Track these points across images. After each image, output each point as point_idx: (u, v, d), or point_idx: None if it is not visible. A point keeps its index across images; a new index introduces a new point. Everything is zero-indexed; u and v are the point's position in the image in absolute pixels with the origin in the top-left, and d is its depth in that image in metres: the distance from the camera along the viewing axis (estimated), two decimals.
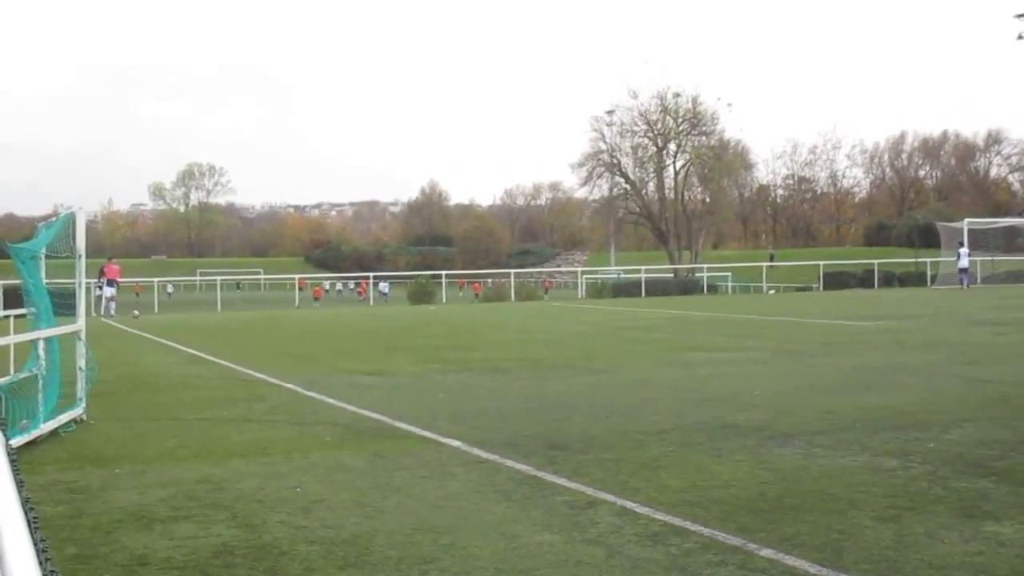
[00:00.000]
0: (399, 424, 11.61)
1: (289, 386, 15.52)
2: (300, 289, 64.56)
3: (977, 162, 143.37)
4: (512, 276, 64.96)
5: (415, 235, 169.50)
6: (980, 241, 54.62)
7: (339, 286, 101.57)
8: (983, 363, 16.91)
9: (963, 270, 51.70)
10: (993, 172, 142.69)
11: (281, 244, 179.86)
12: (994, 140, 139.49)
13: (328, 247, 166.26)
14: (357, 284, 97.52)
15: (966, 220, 58.10)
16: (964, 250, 52.16)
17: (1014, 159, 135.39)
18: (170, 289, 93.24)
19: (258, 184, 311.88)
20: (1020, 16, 75.20)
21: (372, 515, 7.47)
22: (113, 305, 43.09)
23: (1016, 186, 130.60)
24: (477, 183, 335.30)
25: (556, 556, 6.32)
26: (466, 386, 15.19)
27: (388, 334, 28.03)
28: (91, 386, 12.76)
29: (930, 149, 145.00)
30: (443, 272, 66.34)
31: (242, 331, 31.74)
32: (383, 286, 76.89)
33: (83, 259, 12.32)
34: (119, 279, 46.70)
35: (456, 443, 10.24)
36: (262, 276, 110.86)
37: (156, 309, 51.80)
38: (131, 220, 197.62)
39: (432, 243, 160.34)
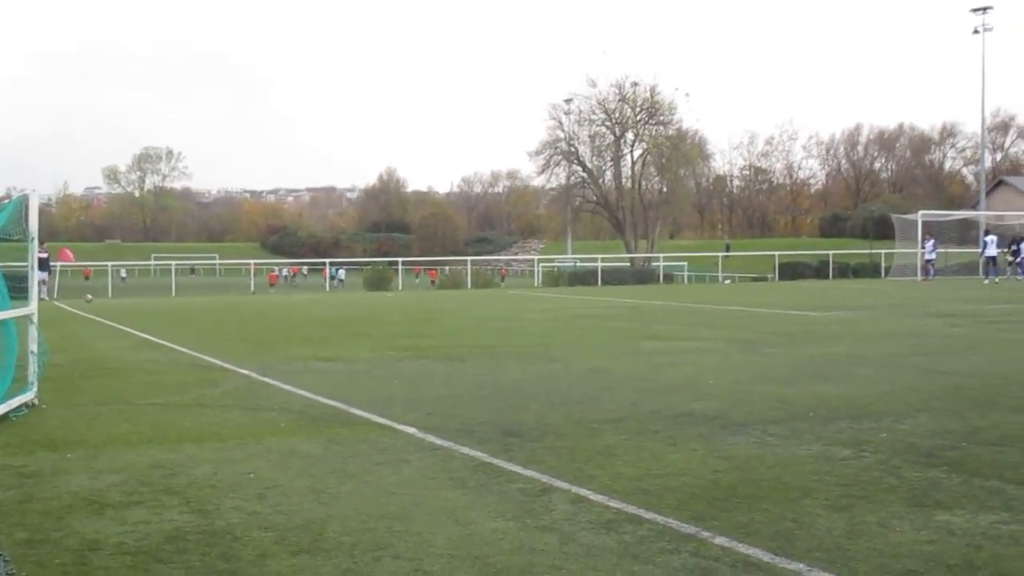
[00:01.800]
0: (354, 410, 11.57)
1: (243, 372, 15.44)
2: (252, 275, 64.24)
3: (932, 155, 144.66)
4: (469, 263, 65.00)
5: (372, 222, 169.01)
6: (934, 233, 55.01)
7: (285, 272, 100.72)
8: (936, 354, 17.05)
9: (929, 261, 52.15)
10: (947, 165, 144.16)
11: (237, 229, 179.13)
12: (949, 133, 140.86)
13: (284, 233, 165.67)
14: (302, 270, 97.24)
15: (920, 212, 58.52)
16: (932, 242, 52.63)
17: (968, 152, 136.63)
18: (123, 273, 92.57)
19: (214, 169, 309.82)
20: (977, 11, 75.93)
21: (326, 501, 7.43)
22: (44, 289, 43.00)
23: (970, 179, 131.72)
24: (435, 170, 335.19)
25: (510, 543, 6.31)
26: (422, 373, 15.17)
27: (344, 321, 27.96)
28: (43, 370, 12.64)
29: (885, 141, 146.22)
30: (400, 259, 66.23)
31: (197, 316, 31.59)
32: (334, 270, 76.44)
33: (36, 242, 12.21)
34: (52, 263, 46.89)
35: (411, 430, 10.22)
36: (217, 261, 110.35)
37: (110, 293, 51.40)
38: (85, 204, 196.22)
39: (389, 230, 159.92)
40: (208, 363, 16.94)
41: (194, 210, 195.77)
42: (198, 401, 12.63)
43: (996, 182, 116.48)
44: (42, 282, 43.27)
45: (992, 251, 49.34)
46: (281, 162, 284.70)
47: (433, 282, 74.94)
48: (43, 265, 43.73)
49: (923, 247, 52.61)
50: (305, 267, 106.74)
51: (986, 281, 46.23)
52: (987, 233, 52.05)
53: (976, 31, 76.35)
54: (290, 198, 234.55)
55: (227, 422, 11.03)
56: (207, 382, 14.39)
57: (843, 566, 5.80)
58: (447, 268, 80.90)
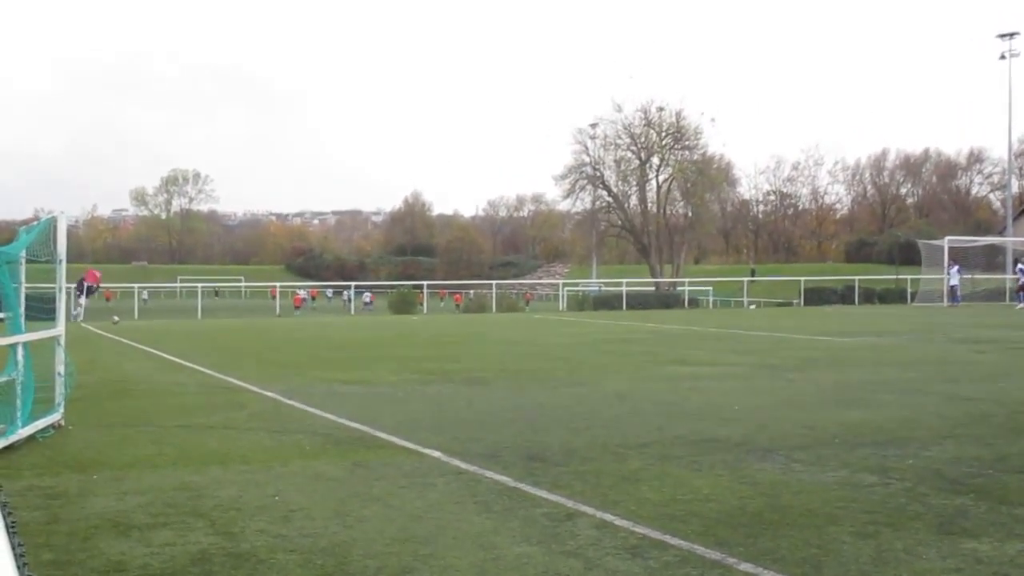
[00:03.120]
0: (379, 434, 11.58)
1: (269, 394, 15.48)
2: (273, 297, 64.33)
3: (959, 180, 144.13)
4: (494, 287, 65.00)
5: (397, 245, 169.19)
6: (961, 259, 54.84)
7: (302, 293, 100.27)
8: (962, 381, 16.97)
9: (953, 287, 52.00)
10: (974, 190, 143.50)
11: (263, 252, 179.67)
12: (975, 159, 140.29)
13: (309, 255, 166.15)
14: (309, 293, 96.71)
15: (947, 238, 58.30)
16: (956, 268, 52.48)
17: (995, 178, 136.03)
18: (145, 296, 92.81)
19: (240, 191, 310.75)
20: (1004, 36, 75.79)
21: (351, 524, 7.44)
22: (81, 311, 43.76)
23: (996, 205, 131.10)
24: (461, 194, 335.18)
25: (535, 568, 6.31)
26: (447, 396, 15.18)
27: (369, 344, 28.01)
28: (70, 391, 12.70)
29: (911, 167, 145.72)
30: (425, 282, 66.32)
31: (223, 338, 31.68)
32: (356, 293, 76.42)
33: (63, 264, 12.27)
34: (98, 284, 47.54)
35: (436, 453, 10.22)
36: (243, 284, 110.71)
37: (136, 315, 51.60)
38: (112, 226, 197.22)
39: (414, 253, 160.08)
40: (234, 385, 16.99)
41: (220, 232, 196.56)
42: (224, 423, 12.66)
43: (1023, 208, 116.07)
44: (83, 306, 44.07)
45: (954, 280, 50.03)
46: (307, 185, 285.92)
47: (458, 306, 75.04)
48: (90, 290, 44.49)
49: (948, 273, 52.54)
50: (329, 290, 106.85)
51: (1019, 306, 46.64)
52: (1016, 261, 52.15)
53: (1003, 56, 76.22)
54: (316, 221, 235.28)
55: (253, 444, 11.06)
56: (233, 404, 14.44)
57: None
58: (471, 292, 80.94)
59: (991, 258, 69.37)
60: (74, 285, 44.28)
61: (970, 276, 57.27)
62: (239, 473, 9.39)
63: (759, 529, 7.22)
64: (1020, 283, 50.26)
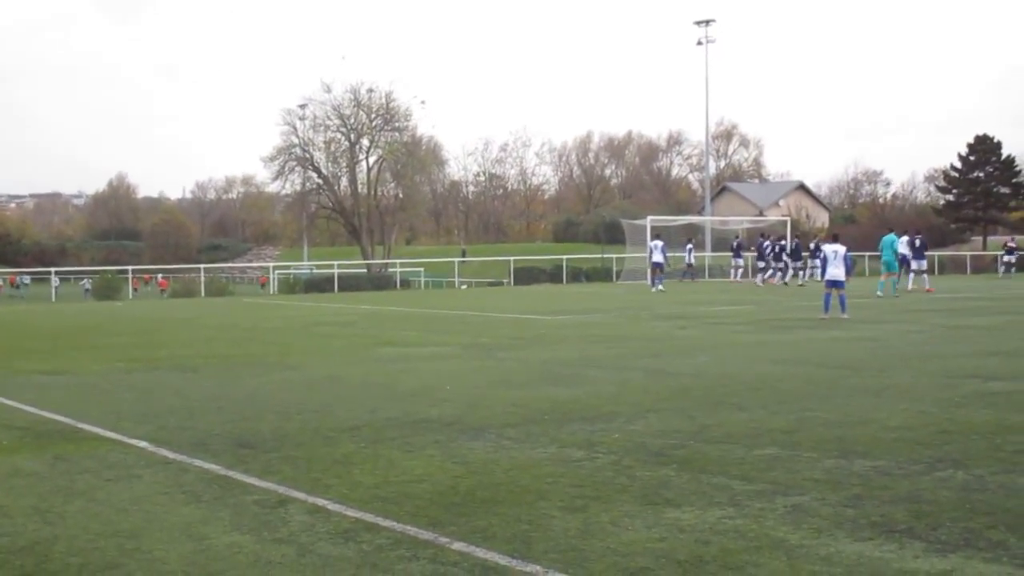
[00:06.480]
0: (82, 425, 11.19)
1: None
2: None
3: (660, 162, 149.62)
4: (202, 271, 63.68)
5: (101, 229, 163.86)
6: (662, 238, 56.33)
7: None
8: (665, 356, 17.59)
9: (657, 265, 49.73)
10: (675, 172, 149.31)
11: None
12: (675, 141, 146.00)
13: (6, 240, 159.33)
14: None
15: (649, 217, 60.16)
16: (656, 243, 50.25)
17: (694, 159, 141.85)
18: None
19: None
20: (700, 23, 78.83)
21: (52, 521, 7.16)
22: None
23: (696, 185, 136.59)
24: (167, 176, 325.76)
25: (246, 557, 6.20)
26: (153, 385, 14.78)
27: (71, 332, 27.01)
28: None
29: (615, 149, 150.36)
30: (130, 267, 64.45)
31: None
32: (85, 282, 73.65)
33: None
34: None
35: (142, 444, 9.94)
36: None
37: None
38: None
39: (119, 237, 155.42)
40: None
41: None
42: None
43: (720, 188, 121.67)
44: None
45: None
46: (2, 166, 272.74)
47: (163, 291, 73.37)
48: None
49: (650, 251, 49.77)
50: (27, 276, 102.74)
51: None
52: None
53: (700, 43, 79.24)
54: (12, 204, 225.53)
55: None
56: None
57: (578, 567, 5.91)
58: (161, 276, 78.93)
59: (690, 237, 72.00)
60: None
61: (672, 254, 58.84)
62: None
63: (471, 508, 7.29)
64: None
